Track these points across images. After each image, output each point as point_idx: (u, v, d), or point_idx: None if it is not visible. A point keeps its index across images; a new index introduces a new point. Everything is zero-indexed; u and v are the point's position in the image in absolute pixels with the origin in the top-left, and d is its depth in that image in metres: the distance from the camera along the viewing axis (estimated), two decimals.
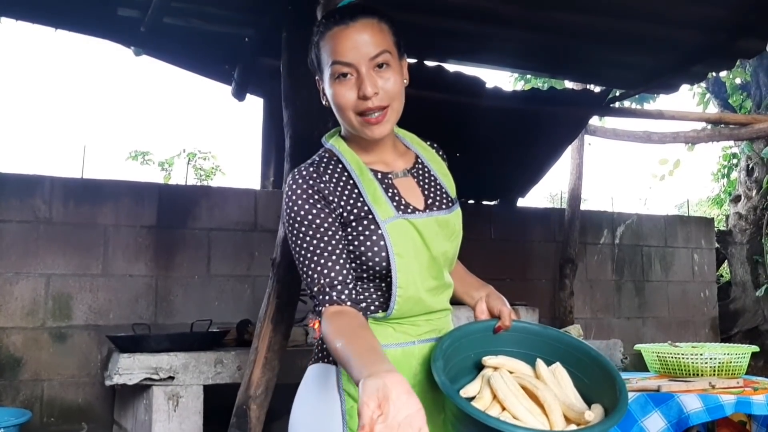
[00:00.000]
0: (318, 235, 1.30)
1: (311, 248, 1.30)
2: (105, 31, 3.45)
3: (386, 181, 1.40)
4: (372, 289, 1.35)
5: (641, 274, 5.66)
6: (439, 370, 1.22)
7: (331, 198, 1.33)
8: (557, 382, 1.32)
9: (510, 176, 4.97)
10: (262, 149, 4.64)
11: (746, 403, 2.24)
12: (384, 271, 1.32)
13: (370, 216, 1.33)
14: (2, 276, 3.61)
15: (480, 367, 1.36)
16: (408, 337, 1.35)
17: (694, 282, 5.90)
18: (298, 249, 1.32)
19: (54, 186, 3.77)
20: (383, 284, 1.34)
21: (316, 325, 3.36)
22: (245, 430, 2.40)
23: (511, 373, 1.33)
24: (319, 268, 1.29)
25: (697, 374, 2.54)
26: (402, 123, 1.45)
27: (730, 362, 2.55)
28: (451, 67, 3.83)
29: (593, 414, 1.23)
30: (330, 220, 1.32)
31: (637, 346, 2.86)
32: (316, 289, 1.29)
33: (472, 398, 1.26)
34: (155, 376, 2.85)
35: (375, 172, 1.39)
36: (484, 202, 5.22)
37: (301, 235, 1.31)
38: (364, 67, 1.31)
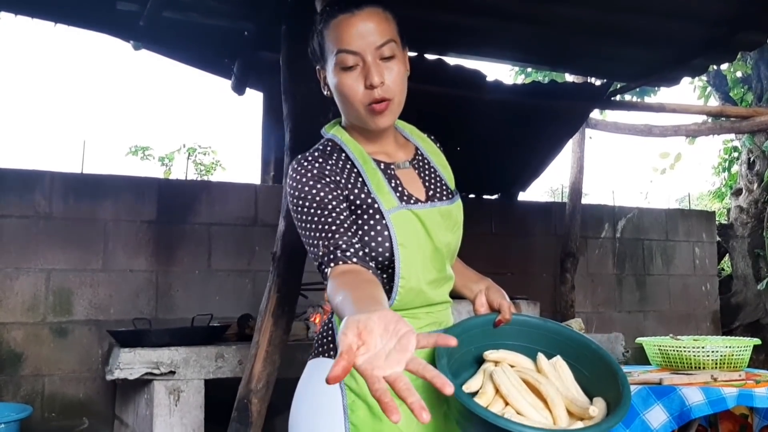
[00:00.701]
0: (322, 207, 1.28)
1: (316, 219, 1.27)
2: (104, 25, 3.43)
3: (389, 171, 1.39)
4: None
5: (642, 267, 5.65)
6: (444, 368, 1.21)
7: (338, 179, 1.32)
8: (558, 376, 1.32)
9: (511, 170, 4.96)
10: (262, 143, 4.63)
11: (748, 395, 2.24)
12: (387, 262, 1.31)
13: (375, 206, 1.32)
14: (2, 271, 3.60)
15: (481, 361, 1.36)
16: None
17: (695, 276, 5.90)
18: (303, 225, 1.29)
19: (54, 181, 3.76)
20: (385, 275, 1.33)
21: (317, 320, 3.35)
22: (247, 424, 2.40)
23: (512, 367, 1.32)
24: (323, 234, 1.25)
25: (699, 367, 2.53)
26: (402, 116, 1.44)
27: (732, 355, 2.55)
28: (451, 60, 3.82)
29: (597, 409, 1.22)
30: (335, 194, 1.30)
31: (639, 340, 2.86)
32: (321, 252, 1.23)
33: (475, 393, 1.26)
34: (156, 371, 2.85)
35: (378, 162, 1.39)
36: (485, 197, 5.21)
37: (305, 209, 1.28)
38: (369, 56, 1.29)
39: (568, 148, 5.16)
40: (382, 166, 1.39)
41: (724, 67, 7.04)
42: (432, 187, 1.44)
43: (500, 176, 5.02)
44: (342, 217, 1.28)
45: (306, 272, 2.64)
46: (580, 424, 1.22)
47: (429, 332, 1.36)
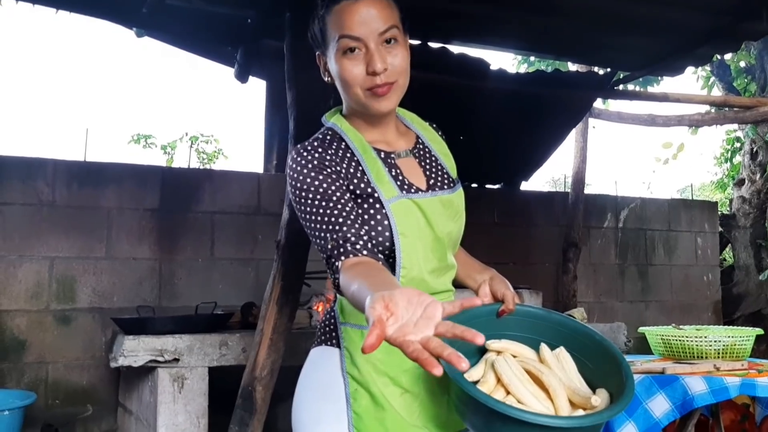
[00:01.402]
0: (325, 199, 1.27)
1: (320, 211, 1.26)
2: (106, 12, 3.41)
3: (389, 160, 1.38)
4: None
5: (644, 257, 5.65)
6: None
7: (338, 168, 1.32)
8: (561, 367, 1.32)
9: (513, 159, 4.95)
10: (264, 132, 4.62)
11: (751, 385, 2.24)
12: (387, 252, 1.31)
13: (375, 195, 1.31)
14: (6, 259, 3.61)
15: (483, 351, 1.36)
16: None
17: (697, 266, 5.90)
18: (308, 217, 1.28)
19: (57, 169, 3.76)
20: (385, 264, 1.33)
21: (320, 308, 3.36)
22: (251, 411, 2.41)
23: (514, 357, 1.32)
24: (330, 227, 1.24)
25: (702, 357, 2.54)
26: (405, 105, 1.43)
27: (735, 345, 2.55)
28: (455, 48, 3.80)
29: (600, 399, 1.23)
30: (338, 184, 1.29)
31: (642, 329, 2.86)
32: (330, 246, 1.22)
33: (476, 382, 1.26)
34: (160, 358, 2.86)
35: (378, 151, 1.38)
36: (488, 186, 5.21)
37: (308, 201, 1.28)
38: (372, 42, 1.28)
39: (571, 138, 5.15)
40: (382, 155, 1.38)
41: (727, 56, 7.02)
42: (433, 176, 1.43)
43: (503, 165, 5.01)
44: (348, 208, 1.27)
45: (310, 261, 2.64)
46: (582, 413, 1.22)
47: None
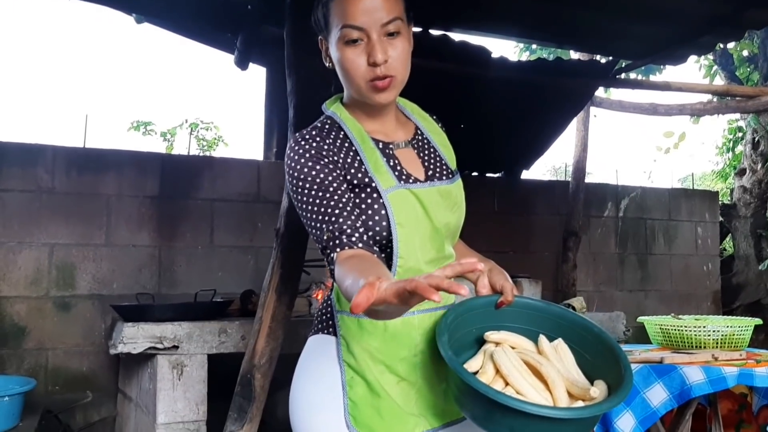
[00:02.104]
0: (322, 190, 1.27)
1: (317, 201, 1.27)
2: None
3: (387, 150, 1.38)
4: None
5: (644, 247, 5.65)
6: (445, 345, 1.21)
7: (335, 158, 1.31)
8: (559, 358, 1.32)
9: (514, 148, 4.94)
10: (264, 119, 4.60)
11: (748, 375, 2.25)
12: (384, 241, 1.31)
13: (372, 185, 1.31)
14: (5, 245, 3.61)
15: (481, 342, 1.36)
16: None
17: (697, 255, 5.90)
18: (304, 207, 1.28)
19: (56, 155, 3.75)
20: (383, 254, 1.33)
21: (320, 296, 3.36)
22: (250, 398, 2.42)
23: (513, 348, 1.32)
24: (326, 218, 1.25)
25: (700, 346, 2.54)
26: (407, 93, 1.43)
27: (733, 335, 2.56)
28: (456, 36, 3.78)
29: (598, 390, 1.23)
30: (335, 174, 1.29)
31: (640, 319, 2.87)
32: (326, 237, 1.23)
33: (475, 373, 1.26)
34: (159, 345, 2.87)
35: (376, 141, 1.38)
36: (488, 175, 5.20)
37: (305, 191, 1.28)
38: (375, 33, 1.28)
39: (572, 126, 5.13)
40: (381, 145, 1.38)
41: (730, 45, 6.98)
42: (432, 166, 1.43)
43: (504, 154, 5.00)
44: (344, 199, 1.27)
45: (309, 249, 2.64)
46: (580, 404, 1.23)
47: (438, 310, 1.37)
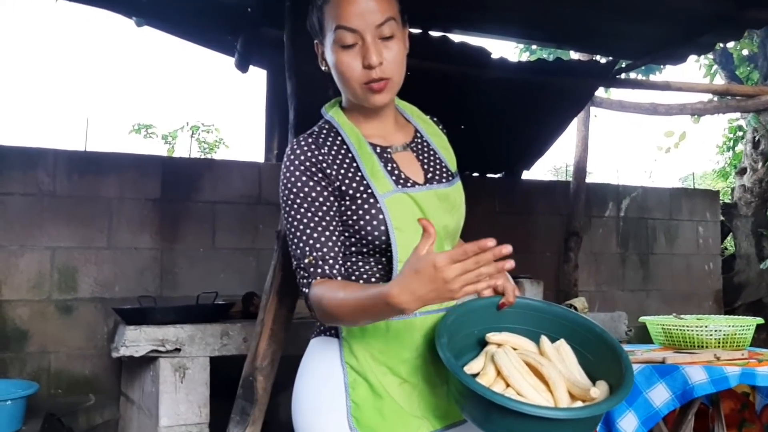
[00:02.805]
0: (312, 209, 1.30)
1: (304, 220, 1.30)
2: (106, 1, 3.40)
3: (385, 155, 1.38)
4: (372, 263, 1.35)
5: (646, 246, 5.65)
6: (444, 347, 1.21)
7: (329, 171, 1.32)
8: (561, 359, 1.32)
9: (515, 148, 4.94)
10: (265, 121, 4.61)
11: (751, 374, 2.24)
12: (384, 246, 1.31)
13: (369, 190, 1.31)
14: (7, 249, 3.61)
15: (483, 343, 1.36)
16: None
17: (698, 255, 5.90)
18: (290, 220, 1.31)
19: (57, 159, 3.76)
20: (383, 258, 1.33)
21: None
22: (252, 401, 2.42)
23: (514, 349, 1.32)
24: (311, 242, 1.29)
25: (702, 346, 2.54)
26: (407, 94, 1.43)
27: (735, 334, 2.55)
28: (456, 37, 3.78)
29: (599, 391, 1.23)
30: (325, 194, 1.31)
31: (642, 318, 2.86)
32: (306, 261, 1.28)
33: (476, 375, 1.26)
34: (162, 348, 2.87)
35: (374, 146, 1.38)
36: (489, 175, 5.20)
37: (295, 206, 1.31)
38: (369, 35, 1.28)
39: (573, 127, 5.13)
40: (378, 150, 1.38)
41: (730, 45, 6.98)
42: (431, 169, 1.43)
43: (504, 154, 5.00)
44: (327, 218, 1.30)
45: None
46: (580, 404, 1.23)
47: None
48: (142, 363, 3.09)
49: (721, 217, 6.36)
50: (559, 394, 1.23)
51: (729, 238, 7.09)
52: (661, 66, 5.91)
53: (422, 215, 1.34)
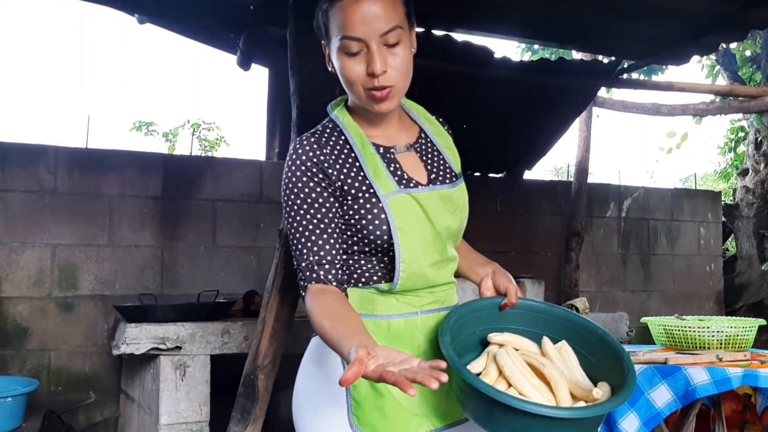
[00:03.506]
0: (312, 211, 1.30)
1: (304, 222, 1.30)
2: None
3: (388, 155, 1.38)
4: (374, 262, 1.35)
5: (647, 247, 5.65)
6: (447, 345, 1.21)
7: (330, 171, 1.32)
8: (563, 360, 1.32)
9: (517, 148, 4.93)
10: (267, 120, 4.60)
11: (753, 376, 2.24)
12: (386, 246, 1.31)
13: (371, 191, 1.32)
14: (8, 246, 3.61)
15: (485, 344, 1.36)
16: (411, 308, 1.36)
17: (699, 256, 5.89)
18: (291, 221, 1.32)
19: (58, 156, 3.75)
20: (386, 258, 1.34)
21: None
22: (253, 399, 2.42)
23: (516, 350, 1.32)
24: (309, 244, 1.30)
25: (704, 347, 2.53)
26: (409, 94, 1.42)
27: (737, 335, 2.55)
28: (459, 36, 3.78)
29: (601, 391, 1.22)
30: (326, 195, 1.31)
31: (644, 319, 2.86)
32: (303, 264, 1.30)
33: (478, 374, 1.26)
34: (162, 346, 2.87)
35: (377, 146, 1.38)
36: (490, 175, 5.20)
37: (295, 207, 1.31)
38: (374, 43, 1.27)
39: (575, 127, 5.13)
40: (381, 150, 1.38)
41: (733, 45, 6.98)
42: (435, 170, 1.42)
43: (506, 154, 4.99)
44: (327, 220, 1.30)
45: None
46: (582, 405, 1.22)
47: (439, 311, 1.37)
48: (143, 361, 3.09)
49: (723, 218, 6.36)
50: (561, 395, 1.23)
51: (730, 239, 7.08)
52: (664, 66, 5.90)
53: (425, 216, 1.34)
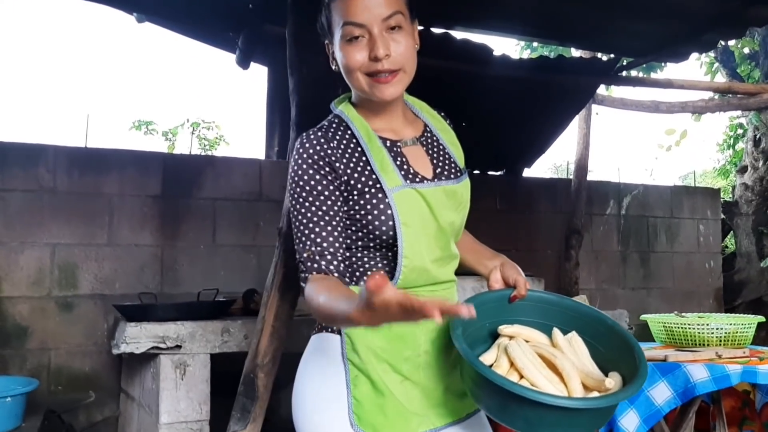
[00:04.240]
0: (317, 203, 1.30)
1: (308, 215, 1.30)
2: None
3: (395, 149, 1.38)
4: (378, 258, 1.35)
5: (647, 244, 5.65)
6: (460, 338, 1.21)
7: (337, 165, 1.32)
8: (574, 351, 1.32)
9: (516, 146, 4.93)
10: (266, 118, 4.60)
11: (752, 372, 2.24)
12: (390, 240, 1.31)
13: (378, 185, 1.32)
14: (7, 245, 3.61)
15: (495, 336, 1.36)
16: None
17: (699, 253, 5.90)
18: (295, 213, 1.32)
19: (58, 155, 3.75)
20: (389, 253, 1.33)
21: None
22: (253, 398, 2.42)
23: (527, 341, 1.32)
24: (312, 236, 1.29)
25: (704, 344, 2.54)
26: (408, 91, 1.42)
27: (737, 332, 2.55)
28: (458, 34, 3.78)
29: (613, 381, 1.22)
30: (331, 188, 1.31)
31: (644, 316, 2.86)
32: (305, 255, 1.29)
33: (489, 366, 1.26)
34: (162, 345, 2.87)
35: (384, 139, 1.38)
36: (490, 173, 5.20)
37: (300, 200, 1.31)
38: (376, 28, 1.28)
39: (574, 124, 5.13)
40: (388, 144, 1.38)
41: (731, 43, 6.97)
42: (440, 165, 1.42)
43: (505, 152, 4.99)
44: (331, 213, 1.30)
45: None
46: (596, 395, 1.22)
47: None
48: (143, 360, 3.09)
49: (722, 215, 6.36)
50: (573, 385, 1.23)
51: (729, 236, 7.09)
52: (663, 64, 5.90)
53: (429, 211, 1.34)
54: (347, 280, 1.32)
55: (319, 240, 1.29)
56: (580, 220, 5.08)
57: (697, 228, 5.91)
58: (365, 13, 1.28)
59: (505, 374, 1.23)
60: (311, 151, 1.32)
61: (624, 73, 4.65)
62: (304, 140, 1.34)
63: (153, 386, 2.96)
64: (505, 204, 5.05)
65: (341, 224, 1.32)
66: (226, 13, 3.51)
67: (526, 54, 7.25)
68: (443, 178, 1.40)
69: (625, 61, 4.49)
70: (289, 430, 1.42)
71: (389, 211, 1.30)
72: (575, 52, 5.47)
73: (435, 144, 1.46)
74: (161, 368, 2.88)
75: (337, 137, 1.35)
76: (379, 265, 1.35)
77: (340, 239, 1.31)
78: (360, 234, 1.33)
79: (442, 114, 1.54)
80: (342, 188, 1.32)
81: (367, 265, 1.35)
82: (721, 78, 7.34)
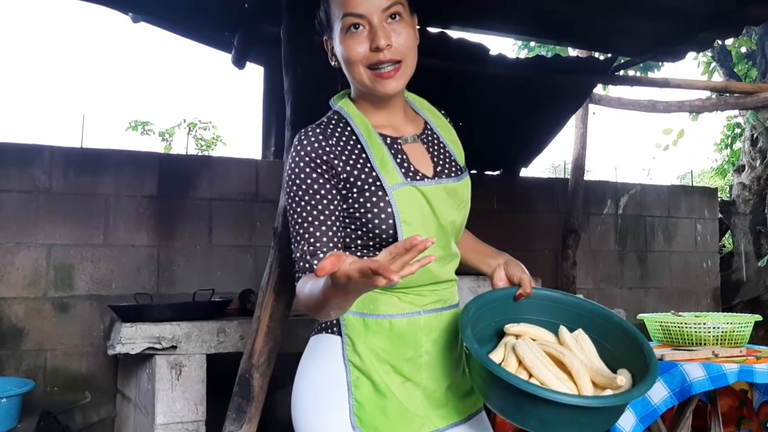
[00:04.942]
0: (313, 202, 1.28)
1: (304, 214, 1.29)
2: None
3: (395, 146, 1.37)
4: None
5: (644, 244, 5.65)
6: (470, 338, 1.20)
7: (336, 162, 1.30)
8: (581, 349, 1.31)
9: (513, 146, 4.93)
10: (262, 118, 4.59)
11: (749, 371, 2.24)
12: (390, 239, 1.30)
13: (378, 182, 1.30)
14: (3, 246, 3.60)
15: (501, 335, 1.35)
16: (413, 307, 1.34)
17: (696, 252, 5.90)
18: (291, 212, 1.31)
19: (53, 156, 3.74)
20: None
21: None
22: (248, 398, 2.41)
23: (534, 340, 1.32)
24: (306, 235, 1.28)
25: (700, 343, 2.53)
26: (412, 89, 1.42)
27: (733, 331, 2.55)
28: (454, 33, 3.77)
29: (624, 378, 1.22)
30: (328, 186, 1.29)
31: (640, 316, 2.86)
32: (299, 254, 1.28)
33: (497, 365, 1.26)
34: (158, 346, 2.86)
35: (384, 136, 1.36)
36: (487, 172, 5.19)
37: (297, 198, 1.30)
38: (376, 18, 1.27)
39: (571, 124, 5.12)
40: (388, 141, 1.36)
41: (728, 42, 6.98)
42: (441, 162, 1.41)
43: (502, 152, 4.98)
44: (327, 212, 1.29)
45: None
46: (609, 393, 1.21)
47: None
48: (139, 360, 3.08)
49: (719, 215, 6.36)
50: (583, 384, 1.22)
51: (727, 235, 7.09)
52: (660, 63, 5.90)
53: (430, 209, 1.33)
54: None
55: (313, 240, 1.28)
56: (578, 220, 5.08)
57: (694, 227, 5.91)
58: (365, 3, 1.27)
59: (514, 373, 1.22)
60: (309, 149, 1.30)
61: (621, 73, 4.65)
62: (302, 138, 1.32)
63: (149, 387, 2.95)
64: (502, 204, 5.05)
65: (338, 223, 1.30)
66: (222, 12, 3.50)
67: (523, 53, 7.25)
68: (444, 176, 1.39)
69: (622, 60, 4.49)
70: (286, 430, 1.42)
71: (389, 209, 1.29)
72: (572, 52, 5.47)
73: (435, 142, 1.44)
74: (157, 369, 2.87)
75: (336, 134, 1.34)
76: None
77: (335, 239, 1.29)
78: (359, 232, 1.32)
79: (443, 112, 1.53)
80: (340, 186, 1.31)
81: None
82: (718, 77, 7.35)
